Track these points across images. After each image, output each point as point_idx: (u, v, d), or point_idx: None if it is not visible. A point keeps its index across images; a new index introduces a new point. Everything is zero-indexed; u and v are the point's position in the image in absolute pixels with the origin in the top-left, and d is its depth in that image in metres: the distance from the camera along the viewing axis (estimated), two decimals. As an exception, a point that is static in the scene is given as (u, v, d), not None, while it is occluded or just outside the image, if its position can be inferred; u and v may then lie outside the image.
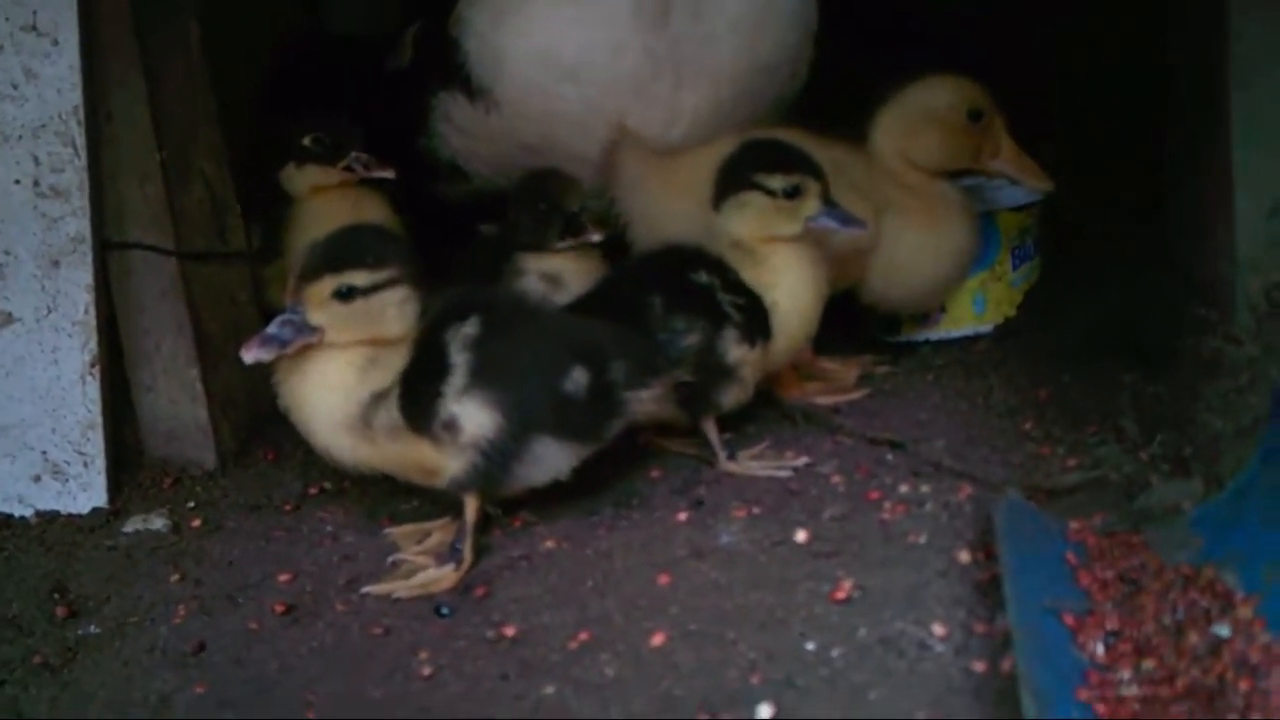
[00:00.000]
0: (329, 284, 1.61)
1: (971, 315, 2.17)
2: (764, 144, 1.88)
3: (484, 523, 1.71)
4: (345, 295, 1.61)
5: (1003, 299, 2.18)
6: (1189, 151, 1.96)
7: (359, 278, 1.61)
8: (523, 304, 1.81)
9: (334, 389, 1.63)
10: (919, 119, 2.02)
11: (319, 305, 1.61)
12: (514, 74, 1.98)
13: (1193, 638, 1.31)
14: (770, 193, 1.82)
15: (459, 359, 1.63)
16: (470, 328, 1.65)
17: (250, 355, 1.60)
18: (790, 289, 1.84)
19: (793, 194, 1.82)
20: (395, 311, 1.64)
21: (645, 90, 1.95)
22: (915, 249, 2.02)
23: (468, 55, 2.01)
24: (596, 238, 1.95)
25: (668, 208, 1.98)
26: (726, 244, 1.85)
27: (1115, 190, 2.33)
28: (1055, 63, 2.46)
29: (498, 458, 1.63)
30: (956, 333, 2.17)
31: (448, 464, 1.64)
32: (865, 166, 2.03)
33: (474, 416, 1.62)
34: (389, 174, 2.10)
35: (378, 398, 1.63)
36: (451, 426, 1.62)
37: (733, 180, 1.84)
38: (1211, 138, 1.83)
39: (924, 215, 2.02)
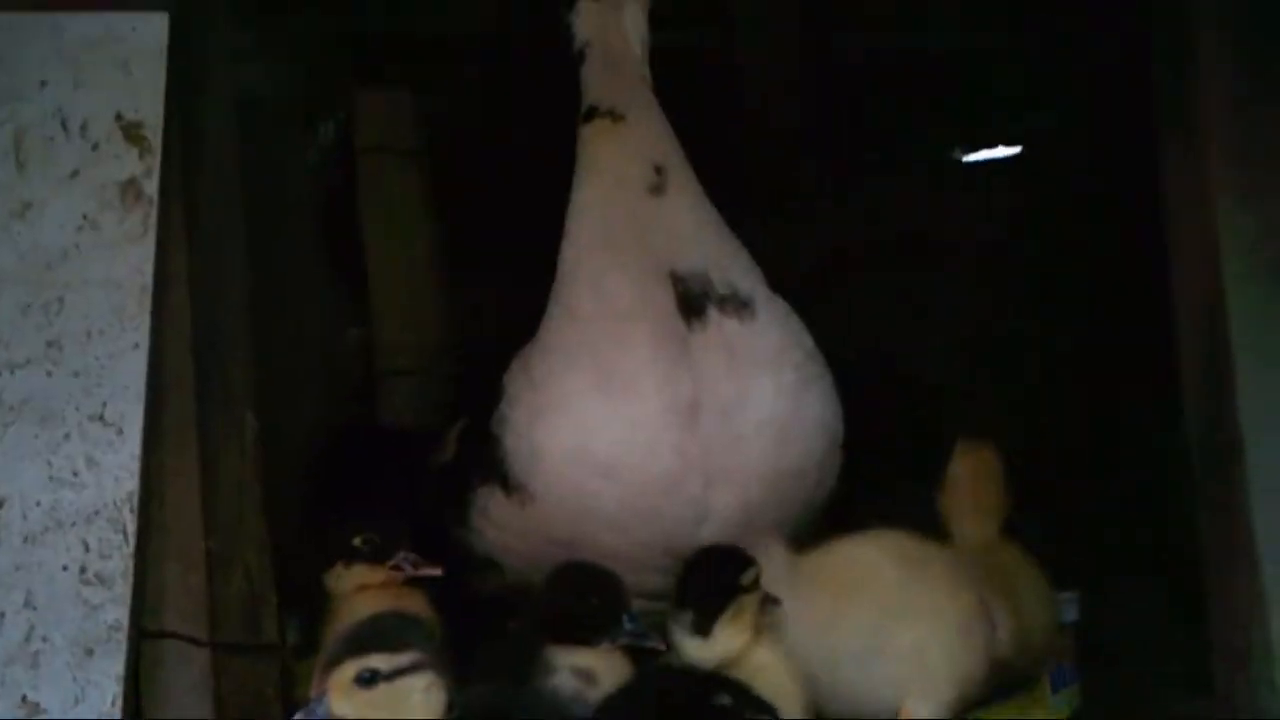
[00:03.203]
0: (350, 669, 1.61)
1: (1011, 742, 2.11)
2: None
3: None
4: (367, 680, 1.60)
5: (1042, 726, 2.12)
6: (1215, 568, 1.95)
7: (380, 661, 1.61)
8: (549, 706, 1.78)
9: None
10: None
11: (342, 693, 1.61)
12: (550, 470, 2.04)
13: None
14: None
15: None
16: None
17: None
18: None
19: None
20: (420, 699, 1.62)
21: (677, 489, 2.01)
22: None
23: (506, 451, 2.08)
24: (660, 646, 1.88)
25: None
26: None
27: (1152, 596, 2.31)
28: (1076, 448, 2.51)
29: None
30: (997, 760, 2.10)
31: None
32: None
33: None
34: (436, 572, 2.13)
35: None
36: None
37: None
38: (1232, 559, 1.83)
39: None
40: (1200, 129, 2.02)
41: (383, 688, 1.61)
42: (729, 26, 3.03)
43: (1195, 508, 2.00)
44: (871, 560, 1.91)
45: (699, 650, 1.84)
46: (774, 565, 1.96)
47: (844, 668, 1.86)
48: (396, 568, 2.14)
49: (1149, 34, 2.11)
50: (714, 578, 1.86)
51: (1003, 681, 2.01)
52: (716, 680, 1.81)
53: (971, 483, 2.07)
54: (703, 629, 1.84)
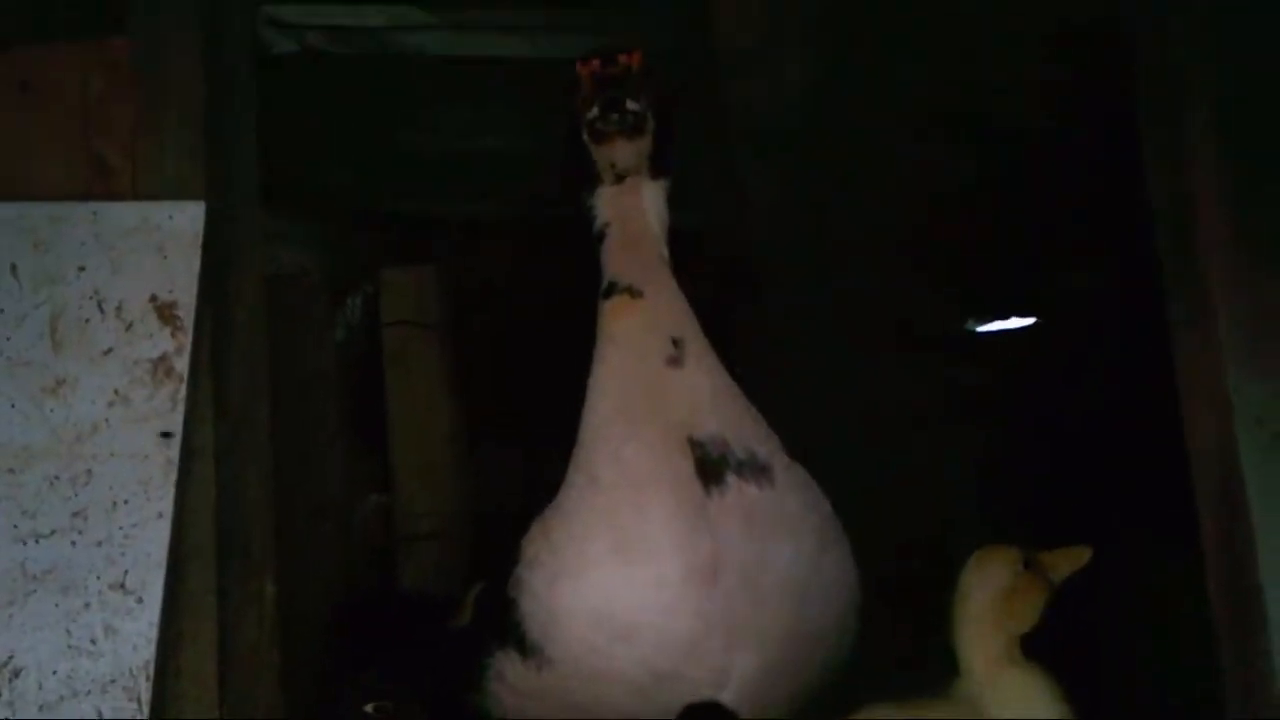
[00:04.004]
0: None
1: None
2: None
3: None
4: None
5: None
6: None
7: None
8: None
9: None
10: None
11: None
12: (568, 633, 2.03)
13: None
14: None
15: None
16: None
17: None
18: None
19: None
20: None
21: (697, 651, 1.99)
22: None
23: (523, 614, 2.07)
24: None
25: None
26: None
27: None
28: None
29: None
30: None
31: None
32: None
33: None
34: None
35: None
36: None
37: None
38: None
39: None
40: (1206, 300, 2.06)
41: None
42: (743, 207, 3.14)
43: (1217, 658, 1.98)
44: None
45: None
46: None
47: None
48: None
49: (1151, 205, 2.18)
50: None
51: None
52: None
53: (970, 598, 1.99)
54: None
